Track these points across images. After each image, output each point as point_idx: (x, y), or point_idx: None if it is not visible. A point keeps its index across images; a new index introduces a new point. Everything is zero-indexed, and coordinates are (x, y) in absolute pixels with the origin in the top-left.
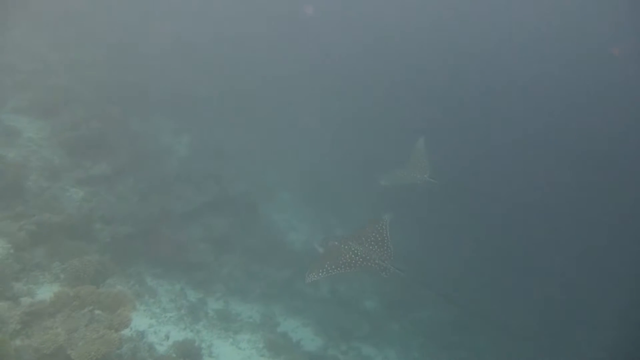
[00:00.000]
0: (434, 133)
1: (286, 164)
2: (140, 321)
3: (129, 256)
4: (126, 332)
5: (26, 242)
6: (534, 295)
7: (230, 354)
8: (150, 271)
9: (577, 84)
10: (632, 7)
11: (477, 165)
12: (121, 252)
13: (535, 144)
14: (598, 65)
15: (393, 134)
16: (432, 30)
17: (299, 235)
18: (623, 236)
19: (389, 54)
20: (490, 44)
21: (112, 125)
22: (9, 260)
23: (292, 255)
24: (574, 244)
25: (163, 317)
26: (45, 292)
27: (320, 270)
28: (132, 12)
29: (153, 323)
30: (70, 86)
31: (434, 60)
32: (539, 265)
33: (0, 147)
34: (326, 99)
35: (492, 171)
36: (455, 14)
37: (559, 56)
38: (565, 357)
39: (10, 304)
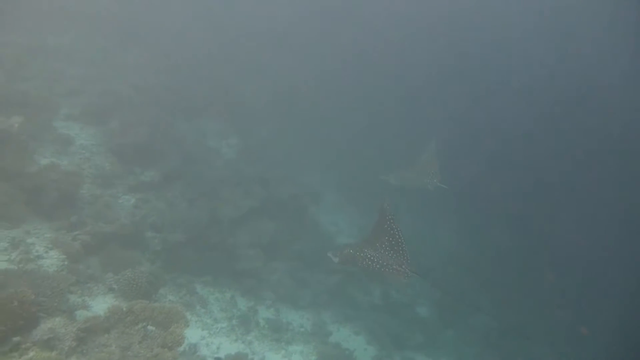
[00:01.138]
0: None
1: (332, 164)
2: (192, 333)
3: (179, 264)
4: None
5: (80, 253)
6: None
7: None
8: (200, 279)
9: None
10: None
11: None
12: (172, 260)
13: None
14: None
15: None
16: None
17: (347, 238)
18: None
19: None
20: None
21: (160, 130)
22: (63, 272)
23: None
24: None
25: (214, 328)
26: (99, 303)
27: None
28: (176, 14)
29: (205, 335)
30: (119, 91)
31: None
32: None
33: (54, 156)
34: (374, 98)
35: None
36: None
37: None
38: None
39: (66, 320)
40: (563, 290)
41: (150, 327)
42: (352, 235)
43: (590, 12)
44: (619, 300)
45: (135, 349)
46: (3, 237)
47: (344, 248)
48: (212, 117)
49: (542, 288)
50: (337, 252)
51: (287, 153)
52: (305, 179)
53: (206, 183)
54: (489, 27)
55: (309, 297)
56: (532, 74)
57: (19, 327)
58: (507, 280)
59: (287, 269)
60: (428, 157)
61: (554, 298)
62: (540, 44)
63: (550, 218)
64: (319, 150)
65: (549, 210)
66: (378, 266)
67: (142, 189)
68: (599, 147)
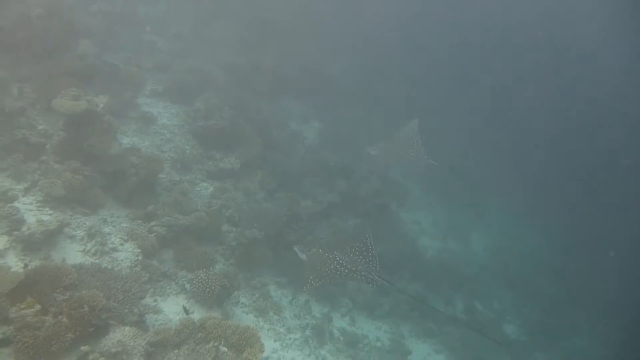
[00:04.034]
0: None
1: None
2: (264, 344)
3: (254, 263)
4: None
5: (154, 247)
6: None
7: None
8: (274, 280)
9: None
10: None
11: None
12: (246, 257)
13: None
14: None
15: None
16: None
17: (431, 241)
18: None
19: None
20: None
21: (244, 113)
22: (137, 268)
23: (423, 265)
24: None
25: (287, 340)
26: (171, 305)
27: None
28: None
29: (277, 347)
30: (206, 69)
31: None
32: None
33: (136, 135)
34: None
35: None
36: None
37: None
38: None
39: (135, 330)
40: None
41: (222, 348)
42: (436, 237)
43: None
44: None
45: None
46: (80, 224)
47: (312, 246)
48: (297, 98)
49: None
50: (304, 248)
51: (370, 140)
52: (391, 170)
53: (287, 172)
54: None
55: (387, 306)
56: None
57: (87, 335)
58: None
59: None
60: (410, 132)
61: None
62: None
63: None
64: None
65: None
66: (346, 271)
67: (221, 176)
68: None
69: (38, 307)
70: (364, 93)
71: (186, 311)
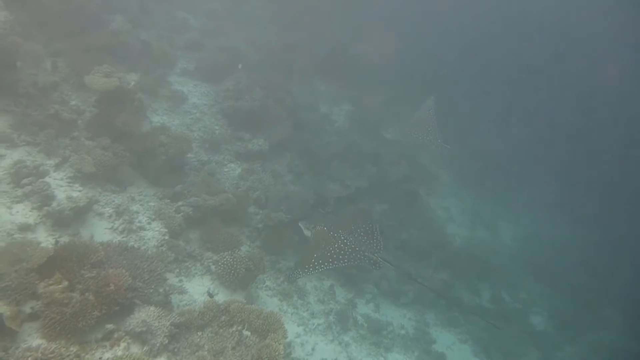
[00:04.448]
0: None
1: (450, 139)
2: (287, 328)
3: (280, 245)
4: None
5: (181, 227)
6: None
7: None
8: None
9: None
10: None
11: None
12: (273, 240)
13: None
14: None
15: None
16: None
17: (459, 229)
18: None
19: None
20: None
21: (273, 93)
22: (163, 248)
23: (450, 254)
24: None
25: (311, 324)
26: (196, 286)
27: (307, 266)
28: None
29: (300, 332)
30: (238, 47)
31: None
32: None
33: (167, 114)
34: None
35: None
36: None
37: None
38: None
39: (160, 310)
40: None
41: (245, 332)
42: (464, 225)
43: None
44: None
45: (228, 356)
46: (109, 201)
47: (318, 223)
48: (329, 78)
49: None
50: (310, 225)
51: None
52: (420, 156)
53: (315, 155)
54: None
55: (412, 293)
56: None
57: (113, 314)
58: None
59: (392, 260)
60: (425, 113)
61: None
62: None
63: None
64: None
65: None
66: (350, 250)
67: (250, 157)
68: None
69: (66, 283)
70: (395, 75)
71: (210, 295)
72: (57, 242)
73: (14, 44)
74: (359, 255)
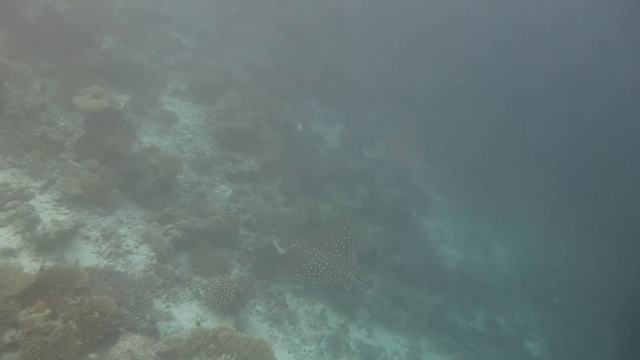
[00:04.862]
0: None
1: (441, 159)
2: (278, 355)
3: (271, 269)
4: None
5: (170, 250)
6: None
7: None
8: (291, 287)
9: None
10: None
11: None
12: (263, 263)
13: None
14: None
15: None
16: None
17: (452, 251)
18: None
19: None
20: None
21: (265, 114)
22: (151, 272)
23: (444, 277)
24: None
25: (302, 351)
26: (184, 312)
27: (284, 268)
28: None
29: (291, 359)
30: (230, 68)
31: None
32: None
33: (157, 134)
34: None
35: None
36: None
37: None
38: None
39: (146, 339)
40: None
41: None
42: (457, 247)
43: None
44: None
45: None
46: (96, 225)
47: (291, 241)
48: (320, 99)
49: None
50: (284, 243)
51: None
52: (413, 176)
53: (307, 177)
54: None
55: (405, 318)
56: None
57: (96, 342)
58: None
59: (385, 283)
60: (402, 133)
61: None
62: None
63: None
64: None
65: None
66: (323, 268)
67: (240, 179)
68: None
69: (48, 311)
70: (388, 97)
71: (198, 323)
72: (42, 268)
73: (1, 65)
74: (332, 273)
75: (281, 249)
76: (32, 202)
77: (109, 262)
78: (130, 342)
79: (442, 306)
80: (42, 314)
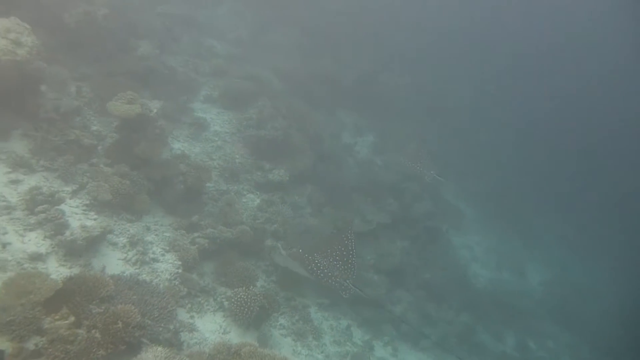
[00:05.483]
0: None
1: (474, 173)
2: None
3: (296, 281)
4: None
5: (195, 260)
6: None
7: None
8: (316, 301)
9: None
10: None
11: None
12: (289, 275)
13: None
14: None
15: None
16: None
17: (482, 269)
18: None
19: None
20: None
21: (297, 123)
22: (176, 282)
23: (473, 295)
24: None
25: None
26: (207, 323)
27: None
28: None
29: None
30: (262, 75)
31: None
32: None
33: (187, 142)
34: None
35: None
36: None
37: None
38: None
39: (168, 352)
40: None
41: None
42: (488, 265)
43: None
44: None
45: None
46: (124, 231)
47: (293, 246)
48: (352, 108)
49: None
50: (287, 247)
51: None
52: (442, 191)
53: (336, 188)
54: None
55: (433, 337)
56: None
57: (119, 353)
58: None
59: (412, 300)
60: (415, 144)
61: None
62: None
63: None
64: (458, 155)
65: None
66: (322, 275)
67: (269, 188)
68: None
69: (72, 319)
70: (421, 107)
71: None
72: (68, 277)
73: (38, 69)
74: (330, 280)
75: (284, 251)
76: (62, 206)
77: (135, 269)
78: (152, 354)
79: (470, 326)
80: (66, 322)
